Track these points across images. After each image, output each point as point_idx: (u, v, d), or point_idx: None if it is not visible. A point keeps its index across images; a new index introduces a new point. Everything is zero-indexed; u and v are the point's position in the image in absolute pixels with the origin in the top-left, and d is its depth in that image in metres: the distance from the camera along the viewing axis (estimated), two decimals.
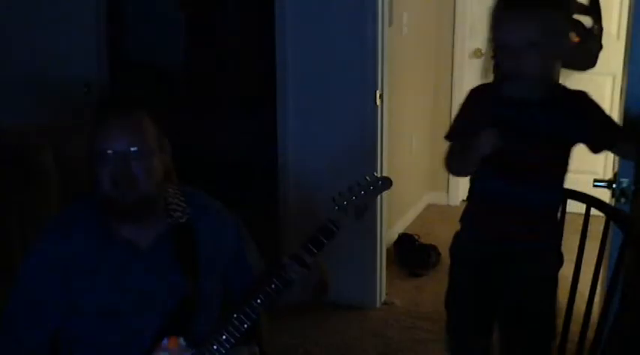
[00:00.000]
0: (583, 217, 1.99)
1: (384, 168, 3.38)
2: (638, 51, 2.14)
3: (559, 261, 2.05)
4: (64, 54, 3.50)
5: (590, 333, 1.92)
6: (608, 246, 2.04)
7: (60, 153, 2.70)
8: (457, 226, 2.14)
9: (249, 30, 4.81)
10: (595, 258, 1.95)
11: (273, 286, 1.61)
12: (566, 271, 2.03)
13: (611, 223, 1.97)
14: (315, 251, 1.62)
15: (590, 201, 1.98)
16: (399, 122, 3.96)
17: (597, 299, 2.00)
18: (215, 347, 1.61)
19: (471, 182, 2.08)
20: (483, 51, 4.53)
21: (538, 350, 2.06)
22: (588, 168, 4.49)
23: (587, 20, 4.44)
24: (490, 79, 4.10)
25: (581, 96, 1.98)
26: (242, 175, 4.59)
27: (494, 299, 2.06)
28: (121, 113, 1.64)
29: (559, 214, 2.06)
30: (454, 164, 2.04)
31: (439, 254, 3.92)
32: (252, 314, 1.61)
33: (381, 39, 3.23)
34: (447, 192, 4.84)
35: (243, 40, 4.90)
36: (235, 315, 1.61)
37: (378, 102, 3.28)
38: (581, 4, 4.45)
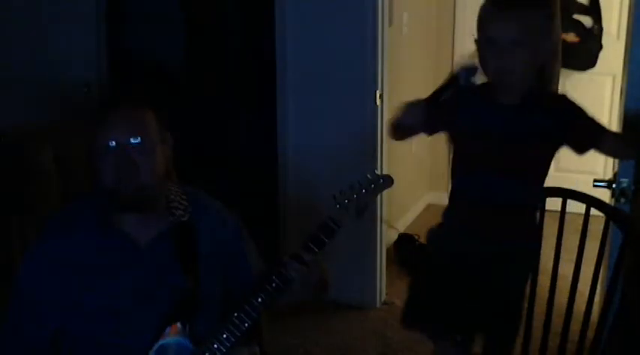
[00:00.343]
0: (583, 217, 1.99)
1: (384, 168, 3.38)
2: (638, 51, 2.14)
3: (535, 262, 2.06)
4: (64, 54, 3.51)
5: (590, 333, 1.92)
6: (608, 246, 2.04)
7: (60, 153, 2.70)
8: None
9: (249, 30, 4.81)
10: (595, 258, 1.95)
11: (273, 285, 1.62)
12: (566, 271, 2.03)
13: (611, 223, 1.98)
14: (316, 249, 1.62)
15: (590, 201, 1.98)
16: None
17: (597, 299, 2.00)
18: (215, 345, 1.61)
19: (452, 180, 2.10)
20: None
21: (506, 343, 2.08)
22: (588, 168, 4.50)
23: (587, 20, 4.45)
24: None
25: (562, 98, 2.01)
26: (242, 175, 4.59)
27: (468, 297, 2.06)
28: (122, 107, 1.65)
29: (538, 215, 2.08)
30: (390, 125, 2.06)
31: None
32: (253, 313, 1.61)
33: (381, 39, 3.23)
34: (447, 192, 4.84)
35: (243, 40, 4.90)
36: (236, 314, 1.61)
37: (378, 102, 3.28)
38: (581, 4, 4.45)
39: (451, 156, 2.08)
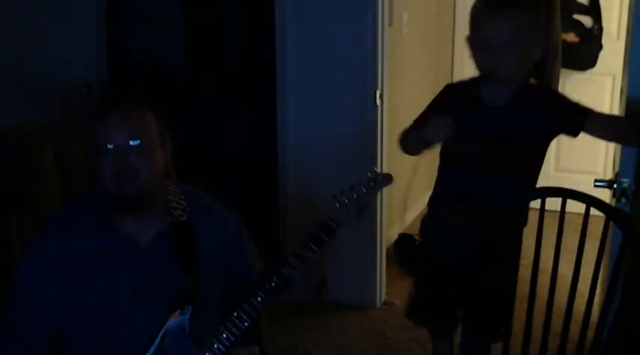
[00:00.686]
0: (583, 217, 1.99)
1: (384, 168, 3.37)
2: (638, 51, 2.14)
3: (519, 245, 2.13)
4: (64, 54, 3.50)
5: (590, 333, 1.92)
6: (608, 246, 2.04)
7: (60, 153, 2.71)
8: None
9: (249, 30, 4.81)
10: (595, 258, 1.95)
11: (273, 284, 1.62)
12: (566, 271, 2.03)
13: (611, 223, 1.98)
14: (316, 249, 1.62)
15: (590, 201, 1.98)
16: (399, 122, 3.96)
17: (597, 299, 2.00)
18: (215, 345, 1.61)
19: (440, 179, 2.13)
20: None
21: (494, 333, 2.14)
22: (588, 169, 4.51)
23: (587, 20, 4.45)
24: None
25: (545, 90, 2.05)
26: (242, 175, 4.59)
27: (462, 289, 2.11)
28: (122, 108, 1.65)
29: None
30: (406, 141, 2.10)
31: None
32: (253, 312, 1.61)
33: (381, 39, 3.23)
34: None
35: (243, 40, 4.90)
36: (235, 313, 1.61)
37: (378, 102, 3.28)
38: (581, 4, 4.45)
39: (439, 155, 2.10)
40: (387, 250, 3.70)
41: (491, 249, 2.08)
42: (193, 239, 1.71)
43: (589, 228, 1.98)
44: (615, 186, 2.03)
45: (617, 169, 2.13)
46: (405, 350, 3.14)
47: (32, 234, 1.73)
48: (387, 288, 3.62)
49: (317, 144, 3.40)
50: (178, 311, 1.64)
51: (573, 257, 2.00)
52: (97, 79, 3.55)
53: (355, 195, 1.65)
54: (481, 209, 2.03)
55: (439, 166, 2.13)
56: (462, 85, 2.11)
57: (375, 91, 3.26)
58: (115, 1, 3.85)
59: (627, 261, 1.88)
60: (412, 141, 2.06)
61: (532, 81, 2.08)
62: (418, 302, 2.21)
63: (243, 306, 1.62)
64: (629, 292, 1.87)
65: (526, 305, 2.07)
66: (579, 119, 1.93)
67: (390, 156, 3.49)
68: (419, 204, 4.73)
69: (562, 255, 2.04)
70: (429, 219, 2.18)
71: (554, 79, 4.03)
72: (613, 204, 2.09)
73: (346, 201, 1.64)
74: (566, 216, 2.05)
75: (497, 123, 1.96)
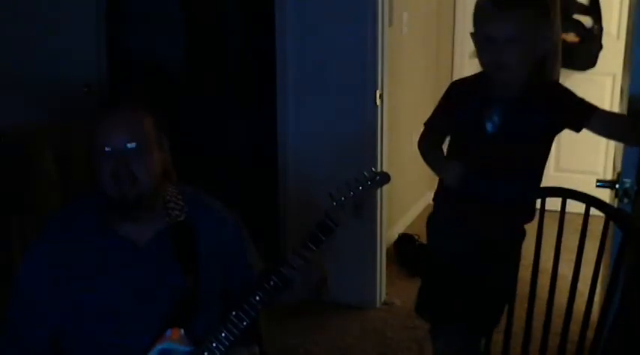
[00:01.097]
0: (583, 217, 1.99)
1: (384, 168, 3.37)
2: (638, 51, 2.14)
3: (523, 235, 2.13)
4: (64, 54, 3.50)
5: (590, 333, 1.92)
6: (608, 246, 2.04)
7: (60, 153, 2.71)
8: None
9: (249, 30, 4.81)
10: (595, 258, 1.95)
11: (272, 283, 1.62)
12: (566, 271, 2.03)
13: (611, 223, 1.98)
14: (314, 248, 1.62)
15: (590, 200, 1.98)
16: (399, 122, 3.96)
17: (597, 299, 2.00)
18: (214, 344, 1.61)
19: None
20: None
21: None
22: (589, 169, 4.51)
23: (587, 20, 4.45)
24: None
25: (554, 86, 2.07)
26: (242, 175, 4.59)
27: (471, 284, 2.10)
28: (120, 111, 1.65)
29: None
30: (423, 157, 2.13)
31: None
32: (251, 311, 1.62)
33: (381, 39, 3.23)
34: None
35: (243, 40, 4.90)
36: (234, 313, 1.62)
37: (378, 102, 3.28)
38: (581, 4, 4.45)
39: (446, 151, 2.10)
40: (387, 250, 3.70)
41: (495, 248, 2.07)
42: (193, 239, 1.71)
43: (589, 228, 1.98)
44: (617, 186, 2.03)
45: (618, 169, 2.13)
46: (405, 350, 3.14)
47: (32, 234, 1.73)
48: (387, 288, 3.62)
49: (317, 144, 3.40)
50: (182, 331, 1.64)
51: (573, 257, 2.00)
52: (97, 79, 3.55)
53: (352, 193, 1.65)
54: (487, 207, 2.02)
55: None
56: (466, 81, 2.11)
57: (375, 91, 3.26)
58: (115, 1, 3.85)
59: (627, 260, 1.87)
60: (429, 164, 2.10)
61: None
62: (426, 299, 2.21)
63: (242, 306, 1.62)
64: (629, 292, 1.87)
65: (526, 305, 2.07)
66: (583, 115, 1.94)
67: (390, 156, 3.49)
68: (419, 204, 4.73)
69: (562, 255, 2.04)
70: (434, 218, 2.18)
71: (554, 79, 4.03)
72: (614, 204, 2.08)
73: (343, 199, 1.64)
74: (566, 216, 2.05)
75: (505, 120, 1.96)
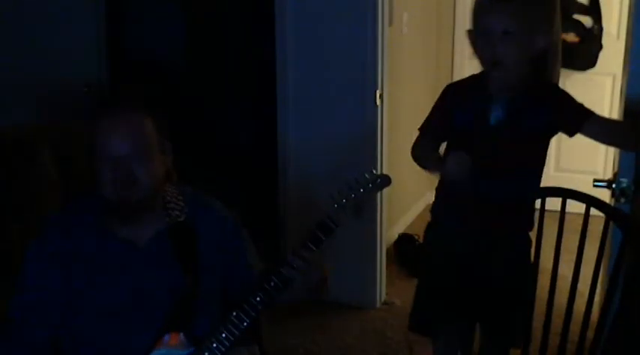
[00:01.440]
0: (583, 217, 1.99)
1: (384, 168, 3.38)
2: (638, 51, 2.14)
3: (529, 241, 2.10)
4: (64, 54, 3.50)
5: (590, 333, 1.92)
6: (608, 246, 2.04)
7: (60, 153, 2.70)
8: None
9: (249, 30, 4.81)
10: (595, 258, 1.95)
11: (272, 284, 1.62)
12: (566, 271, 2.03)
13: (611, 223, 1.98)
14: (314, 248, 1.62)
15: (590, 200, 1.98)
16: (399, 122, 3.96)
17: (597, 299, 2.00)
18: (215, 345, 1.61)
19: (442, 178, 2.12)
20: None
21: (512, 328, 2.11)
22: (588, 168, 4.51)
23: (587, 20, 4.44)
24: None
25: (552, 88, 2.06)
26: (242, 175, 4.59)
27: (473, 287, 2.09)
28: (121, 113, 1.64)
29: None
30: (418, 161, 2.10)
31: None
32: (252, 312, 1.62)
33: (381, 39, 3.23)
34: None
35: (243, 40, 4.90)
36: (235, 313, 1.62)
37: (378, 102, 3.28)
38: (581, 4, 4.45)
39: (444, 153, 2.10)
40: (387, 250, 3.71)
41: (495, 248, 2.07)
42: (192, 239, 1.72)
43: (589, 228, 1.98)
44: (614, 186, 2.03)
45: (616, 169, 2.13)
46: (405, 350, 3.14)
47: (32, 234, 1.73)
48: (387, 288, 3.62)
49: (317, 144, 3.40)
50: (181, 335, 1.63)
51: (573, 257, 2.00)
52: (97, 79, 3.55)
53: (353, 195, 1.65)
54: (486, 208, 2.02)
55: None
56: (463, 83, 2.11)
57: (375, 91, 3.26)
58: (115, 1, 3.85)
59: (627, 260, 1.87)
60: (424, 164, 2.06)
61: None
62: (421, 308, 2.19)
63: (242, 306, 1.62)
64: (629, 292, 1.87)
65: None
66: (578, 120, 1.93)
67: (390, 156, 3.49)
68: (419, 204, 4.73)
69: (562, 255, 2.04)
70: (433, 222, 2.17)
71: (554, 80, 4.02)
72: (612, 204, 2.08)
73: (344, 201, 1.64)
74: (566, 216, 2.05)
75: (506, 118, 1.96)
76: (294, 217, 3.45)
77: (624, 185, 2.00)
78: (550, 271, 2.03)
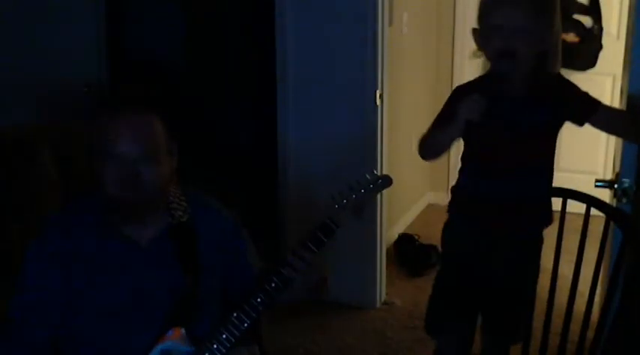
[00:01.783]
0: (583, 217, 1.99)
1: (384, 168, 3.38)
2: (638, 51, 2.14)
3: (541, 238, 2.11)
4: (64, 54, 3.50)
5: (590, 333, 1.92)
6: (608, 246, 2.04)
7: (60, 153, 2.70)
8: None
9: (250, 29, 4.81)
10: (595, 258, 1.95)
11: (272, 284, 1.62)
12: (566, 271, 2.03)
13: (611, 223, 1.98)
14: (315, 249, 1.62)
15: (590, 201, 1.98)
16: (399, 122, 3.96)
17: (597, 299, 2.00)
18: (215, 345, 1.61)
19: (460, 178, 2.11)
20: None
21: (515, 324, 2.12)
22: (589, 169, 4.51)
23: (587, 20, 4.44)
24: None
25: (556, 78, 2.08)
26: (242, 175, 4.59)
27: (482, 286, 2.10)
28: (132, 115, 1.62)
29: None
30: (427, 143, 2.09)
31: (439, 254, 3.92)
32: (252, 312, 1.62)
33: (381, 39, 3.23)
34: (448, 192, 4.84)
35: (244, 40, 4.90)
36: (235, 314, 1.62)
37: (378, 102, 3.28)
38: (581, 4, 4.45)
39: (460, 154, 2.09)
40: (387, 250, 3.71)
41: (511, 247, 2.07)
42: (193, 239, 1.71)
43: (589, 228, 1.98)
44: (616, 186, 2.03)
45: (617, 169, 2.13)
46: (405, 350, 3.14)
47: (32, 234, 1.72)
48: (387, 288, 3.62)
49: (317, 144, 3.40)
50: (183, 330, 1.63)
51: (573, 257, 2.00)
52: (97, 79, 3.55)
53: (354, 196, 1.65)
54: (499, 207, 2.02)
55: (461, 166, 2.12)
56: (469, 84, 2.11)
57: (375, 91, 3.26)
58: (115, 1, 3.85)
59: (627, 260, 1.87)
60: (436, 140, 2.05)
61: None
62: (437, 307, 2.18)
63: (243, 307, 1.62)
64: (629, 292, 1.87)
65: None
66: (587, 109, 1.95)
67: (390, 157, 3.49)
68: (419, 204, 4.73)
69: (562, 255, 2.04)
70: (449, 223, 2.17)
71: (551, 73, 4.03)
72: (613, 204, 2.08)
73: (344, 202, 1.65)
74: (567, 216, 2.05)
75: (512, 116, 1.96)
76: (294, 217, 3.45)
77: (626, 185, 2.00)
78: (550, 271, 2.03)
